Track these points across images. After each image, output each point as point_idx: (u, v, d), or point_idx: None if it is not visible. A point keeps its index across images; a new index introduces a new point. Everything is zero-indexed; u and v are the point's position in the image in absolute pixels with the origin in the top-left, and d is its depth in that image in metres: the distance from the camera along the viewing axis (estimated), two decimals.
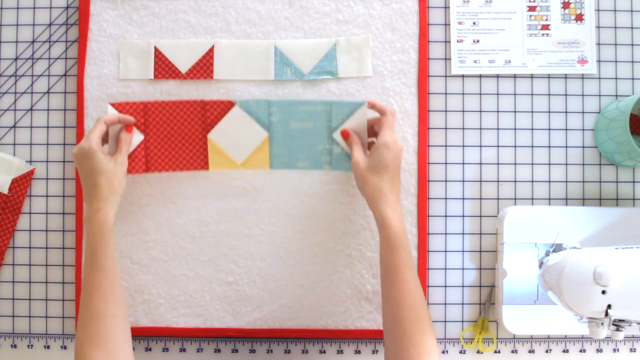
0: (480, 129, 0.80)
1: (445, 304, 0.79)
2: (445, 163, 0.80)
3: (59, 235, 0.80)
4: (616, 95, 0.80)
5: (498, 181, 0.80)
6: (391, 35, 0.79)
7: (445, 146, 0.80)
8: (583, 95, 0.80)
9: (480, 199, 0.80)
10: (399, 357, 0.63)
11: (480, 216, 0.80)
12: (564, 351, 0.79)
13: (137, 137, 0.75)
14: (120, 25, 0.79)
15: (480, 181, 0.80)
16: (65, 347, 0.79)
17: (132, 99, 0.78)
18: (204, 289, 0.78)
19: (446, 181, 0.80)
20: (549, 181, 0.79)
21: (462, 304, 0.79)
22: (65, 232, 0.80)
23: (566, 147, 0.80)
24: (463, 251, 0.79)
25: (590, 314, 0.62)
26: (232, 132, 0.77)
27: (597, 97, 0.80)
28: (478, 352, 0.79)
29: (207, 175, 0.78)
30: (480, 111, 0.80)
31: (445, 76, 0.80)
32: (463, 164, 0.80)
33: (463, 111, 0.80)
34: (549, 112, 0.80)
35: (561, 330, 0.75)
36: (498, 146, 0.80)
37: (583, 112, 0.80)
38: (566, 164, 0.80)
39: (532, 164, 0.80)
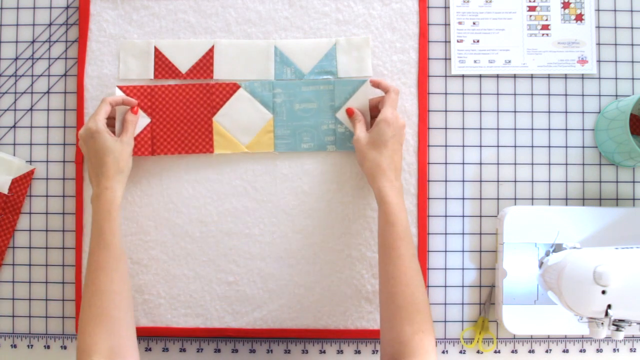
0: (480, 129, 0.80)
1: (445, 304, 0.79)
2: (445, 163, 0.80)
3: (59, 235, 0.80)
4: (616, 95, 0.80)
5: (498, 181, 0.80)
6: (391, 35, 0.79)
7: (445, 146, 0.80)
8: (583, 95, 0.80)
9: (480, 199, 0.80)
10: (393, 333, 0.63)
11: (480, 216, 0.80)
12: (564, 351, 0.79)
13: (144, 120, 0.77)
14: (120, 25, 0.79)
15: (480, 181, 0.80)
16: (65, 347, 0.79)
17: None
18: (204, 289, 0.78)
19: (446, 181, 0.80)
20: (549, 181, 0.79)
21: (462, 304, 0.79)
22: (65, 232, 0.80)
23: (566, 147, 0.80)
24: (463, 251, 0.79)
25: (590, 314, 0.62)
26: (237, 114, 0.77)
27: (597, 97, 0.80)
28: (478, 352, 0.79)
29: (207, 175, 0.78)
30: (480, 111, 0.80)
31: (445, 76, 0.80)
32: (463, 164, 0.80)
33: (463, 111, 0.80)
34: (549, 112, 0.80)
35: (561, 330, 0.75)
36: (498, 146, 0.80)
37: (583, 112, 0.80)
38: (566, 164, 0.80)
39: (532, 164, 0.80)
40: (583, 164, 0.80)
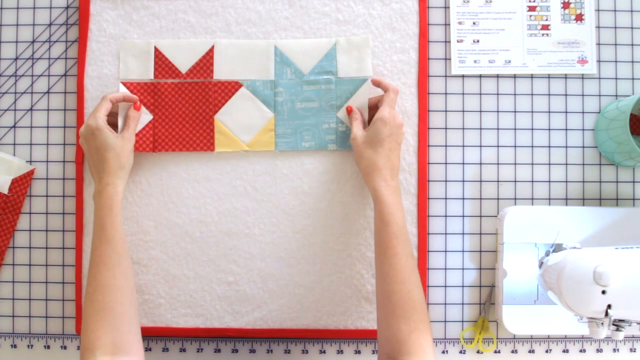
0: (480, 129, 0.80)
1: (445, 304, 0.79)
2: (445, 163, 0.80)
3: (59, 235, 0.80)
4: (616, 95, 0.80)
5: (498, 181, 0.80)
6: (391, 35, 0.79)
7: (445, 146, 0.80)
8: (583, 95, 0.80)
9: (480, 199, 0.80)
10: (390, 331, 0.63)
11: (480, 216, 0.80)
12: (564, 351, 0.79)
13: (146, 117, 0.77)
14: (120, 25, 0.79)
15: (480, 181, 0.80)
16: (65, 347, 0.79)
17: None
18: (204, 289, 0.78)
19: (446, 181, 0.80)
20: (549, 181, 0.79)
21: (462, 304, 0.79)
22: (65, 232, 0.80)
23: (566, 147, 0.80)
24: (463, 251, 0.79)
25: (590, 314, 0.62)
26: (238, 112, 0.78)
27: (597, 97, 0.80)
28: (478, 352, 0.79)
29: (207, 174, 0.79)
30: (480, 111, 0.80)
31: (445, 76, 0.80)
32: (463, 164, 0.80)
33: (463, 111, 0.80)
34: (549, 112, 0.80)
35: (561, 330, 0.75)
36: (498, 146, 0.80)
37: (583, 112, 0.80)
38: (566, 164, 0.80)
39: (532, 164, 0.80)
40: (583, 164, 0.80)
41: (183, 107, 0.78)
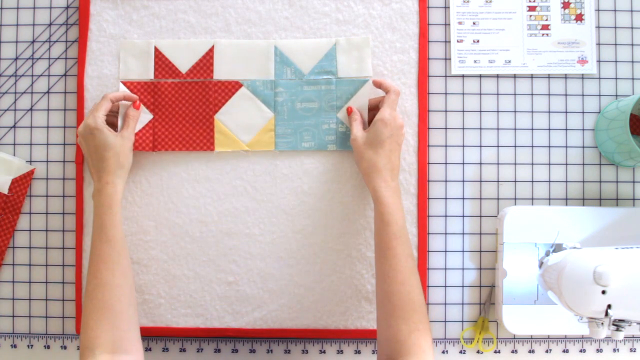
0: (480, 129, 0.80)
1: (445, 304, 0.79)
2: (445, 163, 0.80)
3: (59, 235, 0.80)
4: (616, 95, 0.80)
5: (498, 181, 0.80)
6: (391, 35, 0.79)
7: (445, 146, 0.80)
8: (583, 95, 0.80)
9: (480, 199, 0.80)
10: (390, 332, 0.63)
11: (480, 216, 0.80)
12: (564, 351, 0.79)
13: (146, 116, 0.77)
14: (120, 25, 0.79)
15: (480, 181, 0.80)
16: (65, 347, 0.79)
17: None
18: (204, 289, 0.78)
19: (446, 181, 0.80)
20: (549, 181, 0.79)
21: (462, 304, 0.79)
22: (65, 232, 0.80)
23: (566, 147, 0.80)
24: (463, 251, 0.79)
25: (590, 314, 0.62)
26: (238, 112, 0.78)
27: (597, 97, 0.80)
28: (478, 352, 0.79)
29: (207, 174, 0.79)
30: (480, 111, 0.80)
31: (445, 76, 0.80)
32: (463, 164, 0.80)
33: (463, 111, 0.80)
34: (549, 112, 0.80)
35: (561, 330, 0.75)
36: (498, 146, 0.80)
37: (583, 112, 0.80)
38: (566, 164, 0.80)
39: (532, 164, 0.80)
40: (583, 164, 0.80)
41: (183, 107, 0.78)
